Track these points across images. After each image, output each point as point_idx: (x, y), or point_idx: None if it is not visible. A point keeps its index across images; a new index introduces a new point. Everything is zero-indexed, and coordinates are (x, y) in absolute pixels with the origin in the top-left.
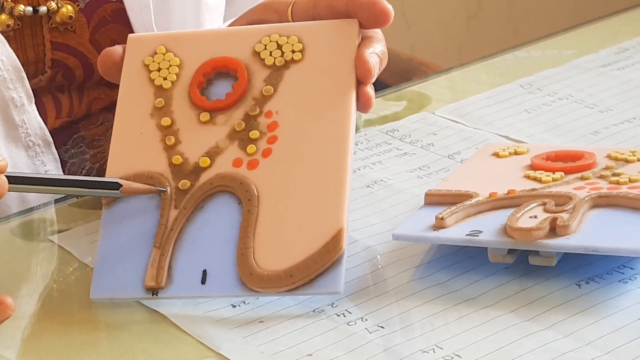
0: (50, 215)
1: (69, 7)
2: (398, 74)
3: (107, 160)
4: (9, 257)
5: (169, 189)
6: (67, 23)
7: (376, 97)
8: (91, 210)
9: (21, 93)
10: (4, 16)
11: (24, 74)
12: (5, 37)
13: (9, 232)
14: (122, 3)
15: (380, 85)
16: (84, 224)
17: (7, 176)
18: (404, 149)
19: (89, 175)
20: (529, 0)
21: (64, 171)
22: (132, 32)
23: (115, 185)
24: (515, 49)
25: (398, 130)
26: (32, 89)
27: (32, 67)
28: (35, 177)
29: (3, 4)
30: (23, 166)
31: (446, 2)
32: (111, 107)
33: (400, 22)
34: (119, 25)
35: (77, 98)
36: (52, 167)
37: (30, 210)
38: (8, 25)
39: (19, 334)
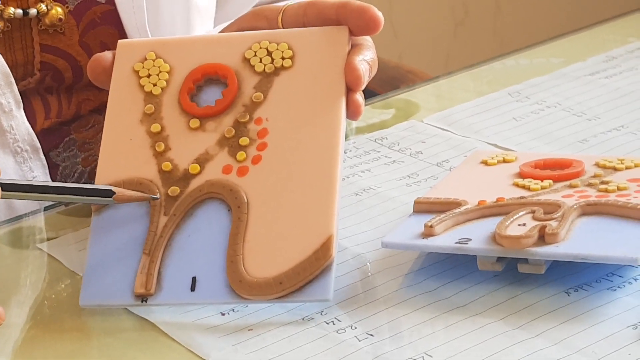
0: (39, 223)
1: (59, 9)
2: (386, 82)
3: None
4: None
5: (159, 195)
6: (56, 25)
7: (365, 105)
8: (80, 218)
9: (9, 98)
10: None
11: (13, 79)
12: None
13: None
14: (112, 5)
15: (368, 93)
16: (73, 232)
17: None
18: (392, 156)
19: (81, 179)
20: (515, 8)
21: (56, 175)
22: (122, 34)
23: (108, 193)
24: (503, 57)
25: (387, 138)
26: (21, 91)
27: (20, 70)
28: (27, 185)
29: None
30: (11, 172)
31: (433, 10)
32: (101, 109)
33: (388, 30)
34: (109, 27)
35: (65, 99)
36: (40, 173)
37: (19, 218)
38: None
39: (8, 342)
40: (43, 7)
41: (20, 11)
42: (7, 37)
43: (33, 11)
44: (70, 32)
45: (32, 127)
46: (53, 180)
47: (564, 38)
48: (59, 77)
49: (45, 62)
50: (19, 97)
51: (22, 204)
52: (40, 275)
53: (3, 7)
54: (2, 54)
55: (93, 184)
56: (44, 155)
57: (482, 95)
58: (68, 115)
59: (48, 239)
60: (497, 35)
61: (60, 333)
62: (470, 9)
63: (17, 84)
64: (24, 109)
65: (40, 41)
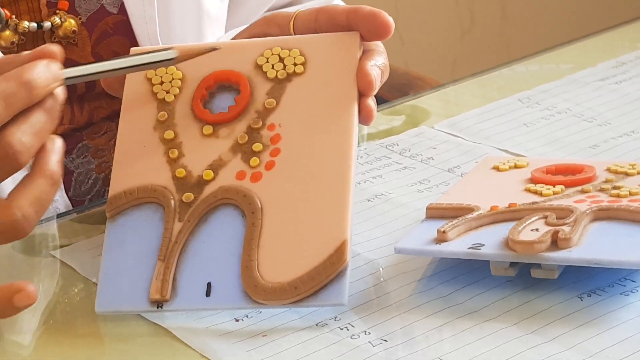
0: (52, 230)
1: (72, 21)
2: (395, 89)
3: (111, 170)
4: (11, 273)
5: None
6: (69, 37)
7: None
8: (93, 225)
9: None
10: (8, 33)
11: None
12: (8, 53)
13: (11, 247)
14: (124, 15)
15: (377, 100)
16: (86, 239)
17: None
18: (403, 163)
19: (95, 186)
20: (522, 15)
21: (70, 182)
22: (134, 43)
23: (171, 54)
24: (512, 63)
25: (397, 145)
26: None
27: None
28: (92, 73)
29: (7, 21)
30: None
31: (440, 18)
32: (114, 116)
33: (394, 37)
34: (121, 37)
35: (78, 107)
36: None
37: None
38: (12, 42)
39: (23, 349)
40: (57, 19)
41: (34, 24)
42: (21, 50)
43: (47, 24)
44: (82, 43)
45: None
46: (67, 189)
47: (573, 44)
48: (72, 87)
49: None
50: None
51: None
52: (53, 282)
53: (17, 21)
54: None
55: (107, 189)
56: None
57: (492, 102)
58: (81, 122)
59: (61, 246)
60: (503, 43)
61: (74, 339)
62: (477, 16)
63: None
64: None
65: None
